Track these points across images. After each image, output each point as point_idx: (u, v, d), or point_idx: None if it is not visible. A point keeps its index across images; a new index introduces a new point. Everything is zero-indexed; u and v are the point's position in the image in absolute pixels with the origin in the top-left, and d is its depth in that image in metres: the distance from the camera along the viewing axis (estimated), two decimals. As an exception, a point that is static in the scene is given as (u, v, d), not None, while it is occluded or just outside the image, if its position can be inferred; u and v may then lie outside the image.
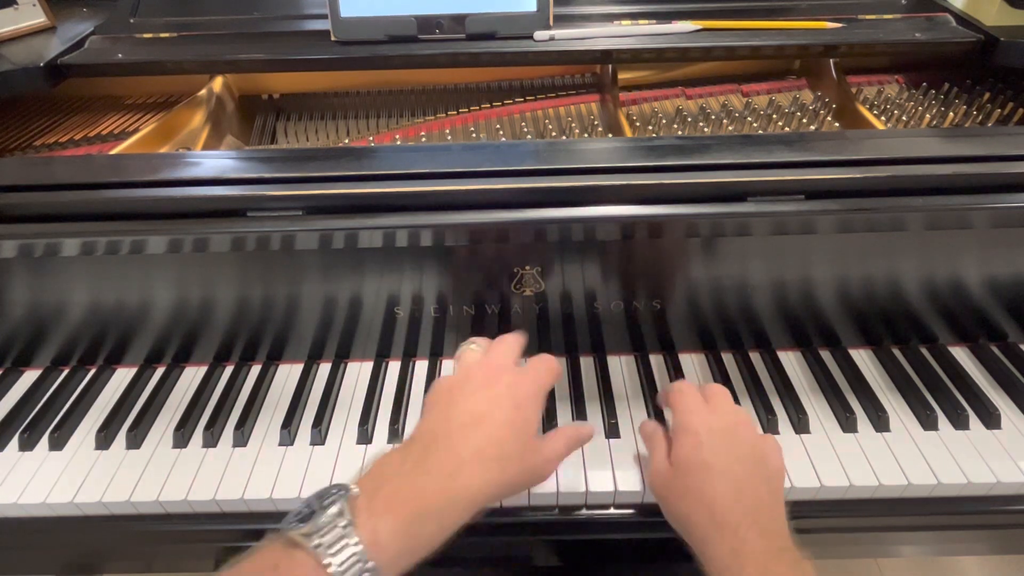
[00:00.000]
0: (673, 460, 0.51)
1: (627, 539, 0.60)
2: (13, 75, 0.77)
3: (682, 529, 0.50)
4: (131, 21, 0.87)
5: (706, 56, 0.85)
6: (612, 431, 0.62)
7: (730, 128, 0.80)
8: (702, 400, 0.54)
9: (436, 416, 0.47)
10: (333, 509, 0.39)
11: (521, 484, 0.48)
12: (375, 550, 0.38)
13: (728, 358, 0.70)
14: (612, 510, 0.58)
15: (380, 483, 0.42)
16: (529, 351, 0.70)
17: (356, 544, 0.37)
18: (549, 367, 0.52)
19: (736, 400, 0.63)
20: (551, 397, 0.65)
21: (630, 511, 0.58)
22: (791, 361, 0.69)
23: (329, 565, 0.37)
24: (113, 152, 0.72)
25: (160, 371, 0.70)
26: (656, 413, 0.63)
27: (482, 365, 0.51)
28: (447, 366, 0.70)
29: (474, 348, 0.54)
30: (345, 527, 0.38)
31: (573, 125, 0.82)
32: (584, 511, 0.58)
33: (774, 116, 0.81)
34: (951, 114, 0.80)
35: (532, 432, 0.48)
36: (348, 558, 0.37)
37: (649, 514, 0.57)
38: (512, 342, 0.54)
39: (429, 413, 0.48)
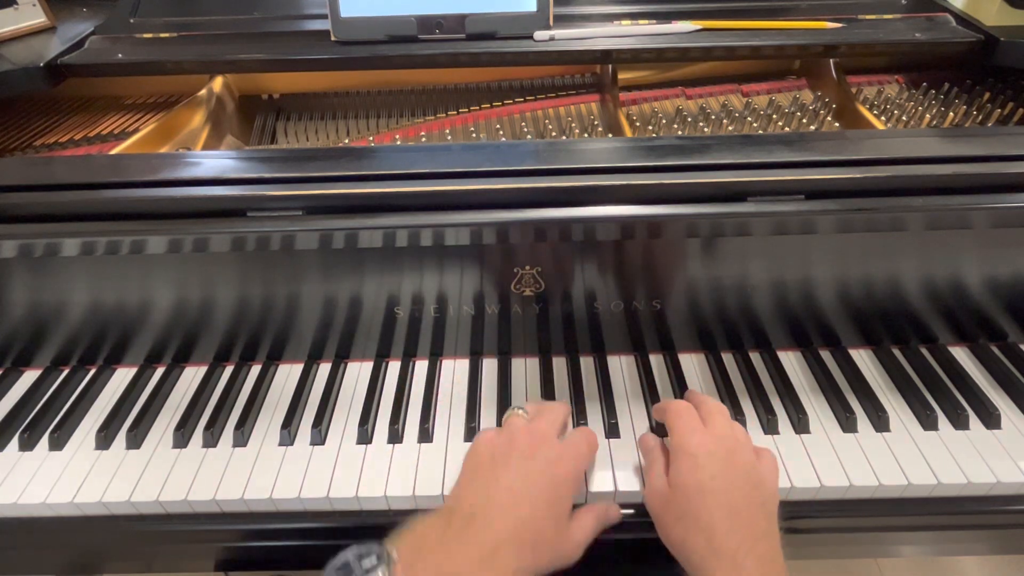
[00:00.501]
0: (671, 481, 0.51)
1: (627, 539, 0.60)
2: (13, 75, 0.77)
3: (678, 552, 0.49)
4: (131, 21, 0.87)
5: (706, 56, 0.85)
6: (612, 431, 0.62)
7: (730, 128, 0.80)
8: (699, 421, 0.53)
9: (477, 488, 0.49)
10: (376, 572, 0.41)
11: (549, 566, 0.48)
12: None
13: (728, 358, 0.70)
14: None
15: (420, 554, 0.44)
16: (529, 352, 0.71)
17: None
18: (590, 443, 0.54)
19: (736, 401, 0.63)
20: (550, 396, 0.65)
21: (630, 511, 0.58)
22: (791, 361, 0.69)
23: None
24: (113, 152, 0.72)
25: (160, 371, 0.70)
26: (657, 423, 0.63)
27: (526, 433, 0.51)
28: (447, 366, 0.70)
29: (520, 414, 0.55)
30: None
31: (573, 125, 0.82)
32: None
33: (774, 116, 0.81)
34: (951, 114, 0.80)
35: (566, 514, 0.49)
36: None
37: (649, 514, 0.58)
38: (558, 412, 0.56)
39: (471, 482, 0.50)
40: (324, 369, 0.70)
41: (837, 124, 0.80)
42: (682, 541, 0.48)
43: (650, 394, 0.65)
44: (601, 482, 0.57)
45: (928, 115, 0.81)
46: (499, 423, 0.62)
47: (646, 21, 0.84)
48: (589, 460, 0.54)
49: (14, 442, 0.63)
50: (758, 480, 0.51)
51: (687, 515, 0.48)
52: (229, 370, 0.70)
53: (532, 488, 0.48)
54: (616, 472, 0.58)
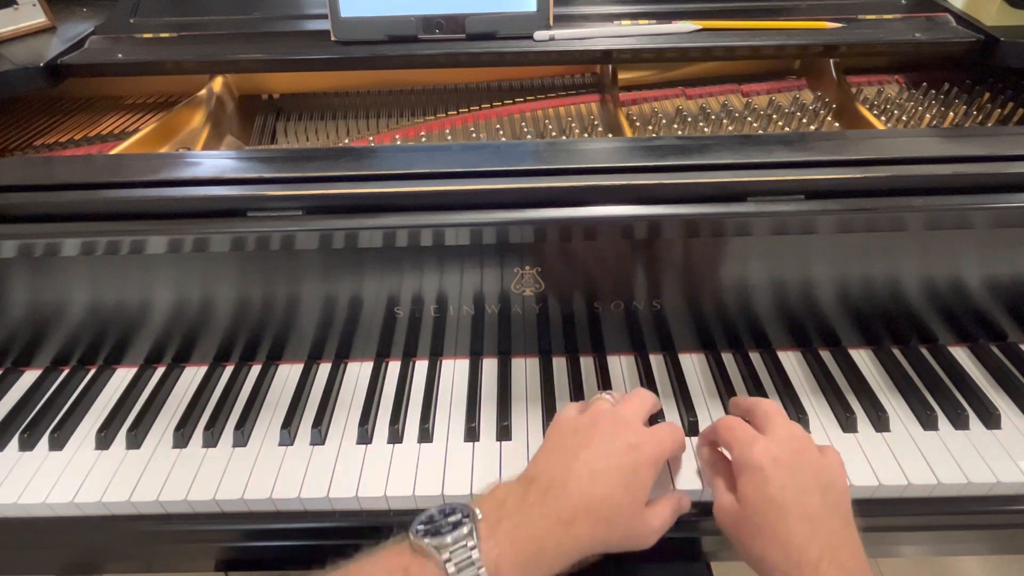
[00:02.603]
0: (740, 498, 0.49)
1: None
2: (13, 75, 0.77)
3: (759, 569, 0.48)
4: (131, 21, 0.87)
5: (706, 56, 0.85)
6: (612, 431, 0.62)
7: (730, 128, 0.80)
8: (754, 431, 0.51)
9: (556, 460, 0.49)
10: (463, 530, 0.42)
11: (624, 545, 0.49)
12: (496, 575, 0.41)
13: (728, 358, 0.69)
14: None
15: (502, 514, 0.45)
16: (529, 352, 0.71)
17: (480, 567, 0.41)
18: (675, 437, 0.53)
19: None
20: (551, 396, 0.65)
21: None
22: (791, 361, 0.69)
23: None
24: (113, 152, 0.72)
25: (160, 371, 0.70)
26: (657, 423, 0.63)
27: (609, 415, 0.52)
28: (447, 366, 0.70)
29: (607, 398, 0.55)
30: (472, 548, 0.41)
31: (573, 125, 0.82)
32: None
33: (774, 116, 0.81)
34: (951, 114, 0.80)
35: (643, 499, 0.49)
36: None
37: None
38: (645, 399, 0.55)
39: (551, 454, 0.50)
40: (324, 369, 0.70)
41: (837, 124, 0.80)
42: (760, 558, 0.47)
43: (650, 394, 0.65)
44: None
45: (928, 115, 0.81)
46: (499, 423, 0.62)
47: (646, 21, 0.84)
48: (672, 451, 0.52)
49: (14, 442, 0.63)
50: (829, 481, 0.49)
51: (762, 531, 0.46)
52: (229, 370, 0.70)
53: (610, 468, 0.48)
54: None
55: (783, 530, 0.46)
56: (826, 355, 0.69)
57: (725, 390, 0.65)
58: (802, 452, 0.49)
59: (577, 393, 0.66)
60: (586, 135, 0.80)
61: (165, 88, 0.92)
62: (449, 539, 0.42)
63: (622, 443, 0.49)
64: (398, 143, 0.81)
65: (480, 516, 0.44)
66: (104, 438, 0.62)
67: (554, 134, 0.82)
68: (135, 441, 0.62)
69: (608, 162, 0.60)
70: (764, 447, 0.49)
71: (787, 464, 0.48)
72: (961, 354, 0.69)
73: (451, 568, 0.41)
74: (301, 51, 0.81)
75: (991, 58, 0.80)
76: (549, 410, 0.64)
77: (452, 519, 0.43)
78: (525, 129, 0.83)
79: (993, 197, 0.58)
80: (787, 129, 0.80)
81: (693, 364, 0.69)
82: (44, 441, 0.63)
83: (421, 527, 0.43)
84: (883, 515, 0.58)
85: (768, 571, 0.46)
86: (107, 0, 0.93)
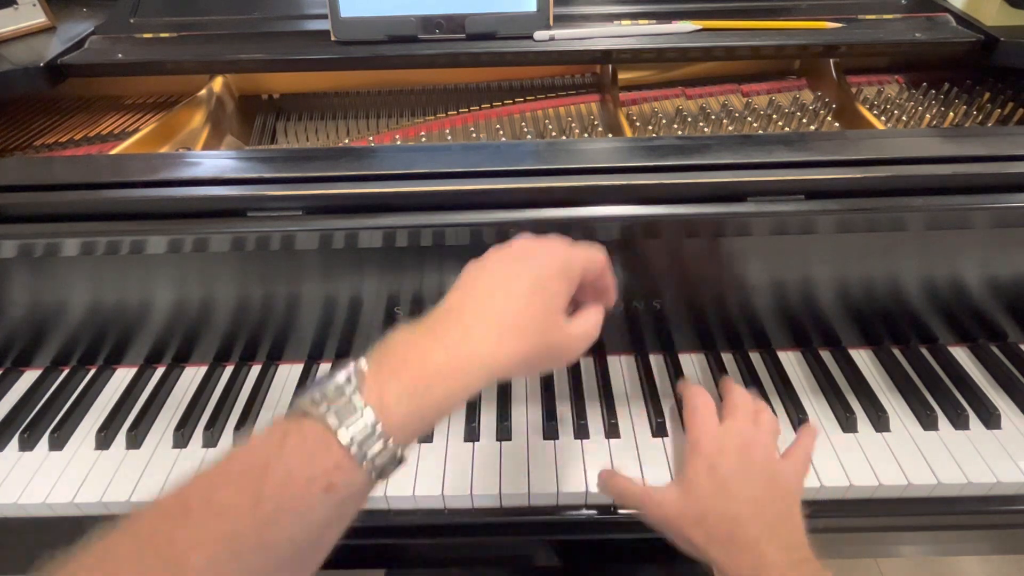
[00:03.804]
0: (687, 481, 0.50)
1: (627, 539, 0.60)
2: (13, 75, 0.77)
3: (699, 551, 0.49)
4: (131, 21, 0.87)
5: (706, 56, 0.85)
6: (612, 431, 0.62)
7: (730, 128, 0.80)
8: (715, 419, 0.54)
9: (456, 293, 0.44)
10: (340, 378, 0.38)
11: (544, 360, 0.45)
12: (382, 413, 0.37)
13: (728, 358, 0.70)
14: (613, 511, 0.58)
15: (387, 352, 0.40)
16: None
17: (363, 406, 0.37)
18: (594, 250, 0.48)
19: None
20: (550, 397, 0.65)
21: (632, 511, 0.58)
22: (791, 361, 0.69)
23: (339, 427, 0.36)
24: (113, 152, 0.72)
25: (160, 371, 0.70)
26: (656, 412, 0.63)
27: (522, 240, 0.47)
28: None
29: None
30: (352, 392, 0.37)
31: (573, 125, 0.82)
32: (584, 511, 0.58)
33: (774, 116, 0.81)
34: (951, 114, 0.80)
35: (557, 307, 0.44)
36: (355, 421, 0.36)
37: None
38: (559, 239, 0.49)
39: (452, 291, 0.45)
40: (324, 369, 0.70)
41: (837, 124, 0.80)
42: (705, 541, 0.48)
43: (650, 394, 0.65)
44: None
45: (928, 115, 0.81)
46: (499, 423, 0.62)
47: (646, 21, 0.84)
48: (587, 264, 0.47)
49: (14, 442, 0.63)
50: (773, 474, 0.51)
51: (708, 515, 0.48)
52: (229, 370, 0.70)
53: (512, 280, 0.44)
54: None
55: (729, 511, 0.48)
56: (826, 355, 0.69)
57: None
58: (751, 446, 0.52)
59: (576, 393, 0.66)
60: (586, 135, 0.80)
61: (165, 88, 0.92)
62: (329, 388, 0.37)
63: (529, 259, 0.45)
64: (398, 143, 0.81)
65: (364, 363, 0.39)
66: (104, 438, 0.62)
67: (554, 134, 0.82)
68: (135, 441, 0.62)
69: (608, 162, 0.60)
70: (715, 437, 0.52)
71: (734, 452, 0.51)
72: (961, 354, 0.69)
73: (330, 417, 0.36)
74: (301, 51, 0.81)
75: (991, 58, 0.80)
76: (549, 411, 0.64)
77: (337, 374, 0.38)
78: (525, 129, 0.83)
79: (993, 197, 0.58)
80: (787, 129, 0.80)
81: (693, 364, 0.69)
82: (44, 441, 0.63)
83: (306, 391, 0.39)
84: (883, 515, 0.58)
85: (709, 549, 0.47)
86: (107, 0, 0.93)
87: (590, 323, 0.47)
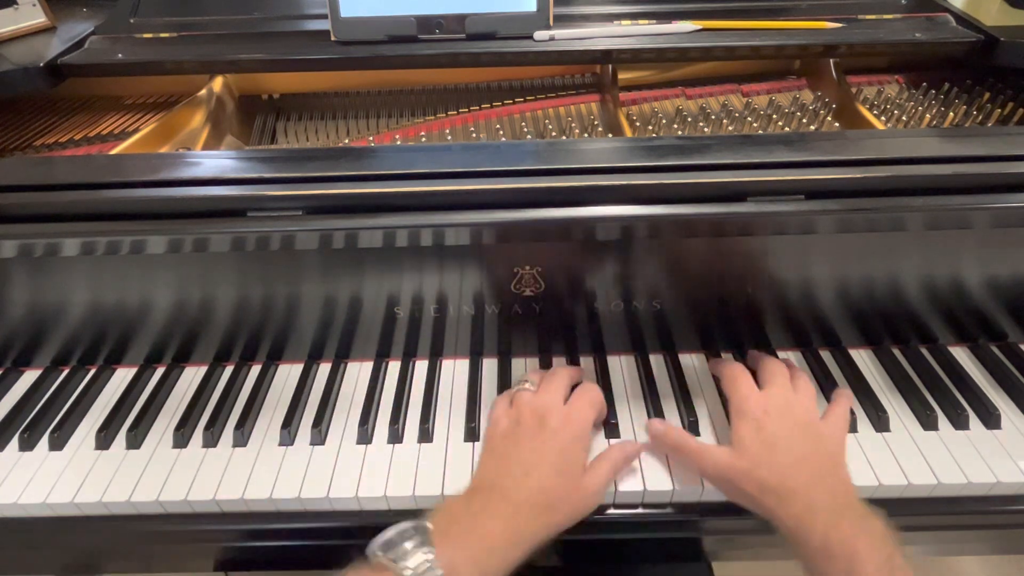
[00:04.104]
0: (735, 442, 0.54)
1: (627, 539, 0.60)
2: (13, 75, 0.77)
3: (748, 503, 0.53)
4: (131, 21, 0.87)
5: (706, 56, 0.85)
6: (612, 431, 0.62)
7: (730, 128, 0.80)
8: (756, 387, 0.57)
9: (492, 466, 0.55)
10: (416, 540, 0.46)
11: (572, 519, 0.53)
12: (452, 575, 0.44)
13: (728, 358, 0.69)
14: (613, 511, 0.58)
15: (450, 522, 0.48)
16: (529, 351, 0.71)
17: (437, 570, 0.44)
18: (592, 401, 0.59)
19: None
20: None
21: (632, 511, 0.58)
22: (791, 361, 0.69)
23: None
24: (113, 152, 0.72)
25: (160, 371, 0.70)
26: (656, 412, 0.63)
27: (530, 410, 0.57)
28: (447, 366, 0.70)
29: (528, 387, 0.60)
30: (427, 554, 0.45)
31: (573, 125, 0.82)
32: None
33: (774, 116, 0.81)
34: (951, 114, 0.80)
35: (578, 472, 0.54)
36: None
37: (651, 514, 0.58)
38: (561, 378, 0.60)
39: (488, 460, 0.56)
40: (324, 369, 0.70)
41: (837, 124, 0.80)
42: (757, 492, 0.51)
43: (650, 394, 0.65)
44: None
45: (928, 115, 0.81)
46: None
47: (646, 21, 0.84)
48: (593, 415, 0.58)
49: (14, 442, 0.63)
50: (817, 433, 0.55)
51: (759, 468, 0.52)
52: (229, 370, 0.70)
53: (541, 459, 0.53)
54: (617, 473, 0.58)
55: (776, 464, 0.52)
56: (826, 355, 0.69)
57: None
58: (793, 407, 0.56)
59: (577, 393, 0.66)
60: (586, 135, 0.80)
61: (165, 88, 0.92)
62: (408, 546, 0.45)
63: (548, 431, 0.55)
64: (398, 143, 0.81)
65: (431, 528, 0.47)
66: (104, 438, 0.62)
67: (554, 134, 0.82)
68: (135, 441, 0.62)
69: (608, 162, 0.60)
70: (759, 399, 0.56)
71: (777, 412, 0.55)
72: (961, 354, 0.69)
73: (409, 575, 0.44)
74: (301, 51, 0.81)
75: (991, 58, 0.80)
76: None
77: (406, 534, 0.46)
78: (525, 129, 0.83)
79: (993, 197, 0.58)
80: (787, 129, 0.80)
81: (693, 364, 0.69)
82: (44, 441, 0.63)
83: (378, 545, 0.46)
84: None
85: (761, 499, 0.51)
86: (107, 0, 0.93)
87: (602, 474, 0.55)
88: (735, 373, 0.59)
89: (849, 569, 0.46)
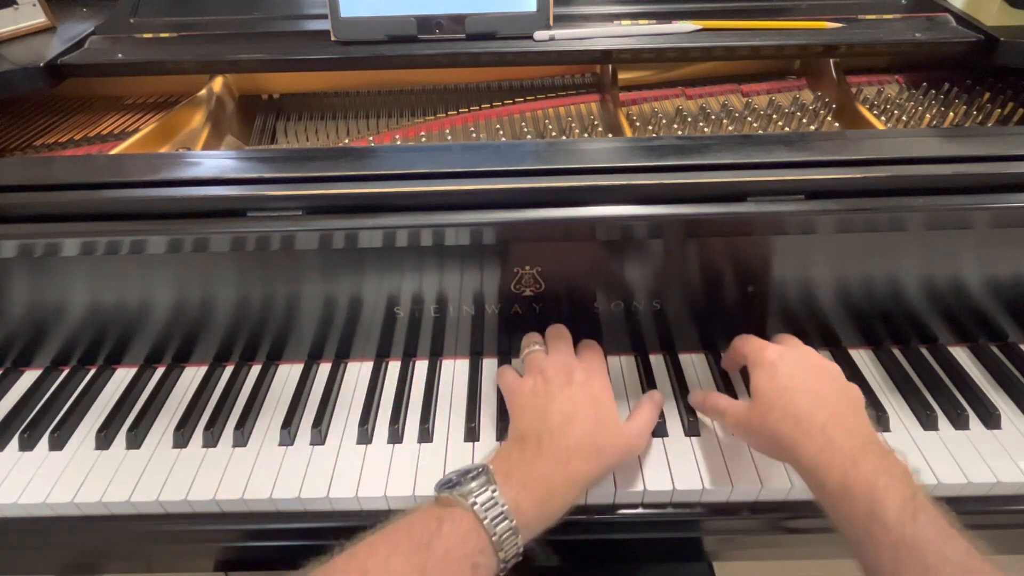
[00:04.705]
0: (753, 393, 0.55)
1: (628, 539, 0.60)
2: (13, 75, 0.77)
3: (770, 449, 0.54)
4: (131, 21, 0.87)
5: (706, 56, 0.85)
6: (612, 431, 0.62)
7: (730, 128, 0.80)
8: (767, 341, 0.58)
9: (534, 417, 0.56)
10: (482, 478, 0.48)
11: (621, 461, 0.56)
12: (518, 515, 0.46)
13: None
14: (613, 511, 0.58)
15: (510, 465, 0.50)
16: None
17: (504, 505, 0.46)
18: (600, 355, 0.63)
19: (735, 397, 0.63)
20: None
21: (632, 511, 0.58)
22: (791, 361, 0.69)
23: (485, 519, 0.45)
24: (113, 152, 0.72)
25: (160, 371, 0.70)
26: (657, 423, 0.63)
27: (554, 365, 0.59)
28: (447, 366, 0.70)
29: (537, 349, 0.62)
30: (494, 491, 0.47)
31: (573, 125, 0.82)
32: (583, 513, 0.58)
33: (774, 116, 0.81)
34: (951, 114, 0.80)
35: (614, 417, 0.57)
36: (498, 515, 0.46)
37: (651, 514, 0.58)
38: (566, 336, 0.63)
39: (525, 414, 0.57)
40: (324, 369, 0.70)
41: (837, 124, 0.80)
42: (773, 438, 0.52)
43: (650, 394, 0.65)
44: (603, 483, 0.57)
45: (928, 115, 0.81)
46: (499, 423, 0.62)
47: (646, 21, 0.84)
48: (604, 364, 0.62)
49: (14, 442, 0.63)
50: (836, 374, 0.55)
51: (773, 414, 0.52)
52: (229, 370, 0.70)
53: (578, 408, 0.55)
54: (616, 473, 0.58)
55: (793, 407, 0.51)
56: (826, 355, 0.69)
57: (726, 390, 0.65)
58: (808, 354, 0.57)
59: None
60: (586, 135, 0.80)
61: (165, 88, 0.92)
62: (474, 485, 0.47)
63: (576, 384, 0.57)
64: (398, 143, 0.81)
65: (493, 469, 0.49)
66: (104, 438, 0.62)
67: (554, 134, 0.82)
68: (135, 441, 0.62)
69: (608, 162, 0.60)
70: (774, 348, 0.56)
71: (793, 359, 0.55)
72: (961, 354, 0.69)
73: (479, 510, 0.45)
74: (301, 51, 0.81)
75: (991, 58, 0.80)
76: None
77: (471, 475, 0.48)
78: (525, 129, 0.83)
79: (993, 197, 0.58)
80: (787, 129, 0.80)
81: (693, 364, 0.69)
82: (44, 441, 0.63)
83: (443, 486, 0.49)
84: (883, 515, 0.58)
85: (780, 442, 0.51)
86: (107, 0, 0.93)
87: (644, 419, 0.58)
88: (745, 336, 0.60)
89: (870, 509, 0.44)
